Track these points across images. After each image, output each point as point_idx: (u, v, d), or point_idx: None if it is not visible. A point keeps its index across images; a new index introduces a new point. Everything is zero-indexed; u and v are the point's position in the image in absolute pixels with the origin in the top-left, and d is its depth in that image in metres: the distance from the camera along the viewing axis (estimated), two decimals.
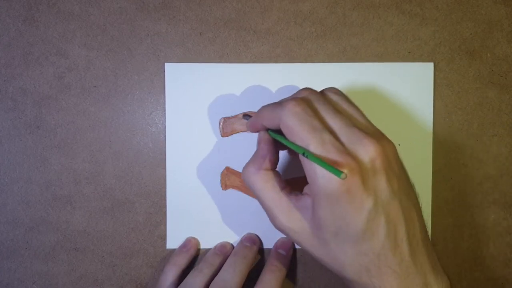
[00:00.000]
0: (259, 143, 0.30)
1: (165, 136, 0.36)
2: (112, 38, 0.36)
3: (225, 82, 0.36)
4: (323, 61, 0.36)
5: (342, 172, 0.23)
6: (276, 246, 0.36)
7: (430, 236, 0.36)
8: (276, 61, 0.36)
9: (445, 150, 0.36)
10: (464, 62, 0.36)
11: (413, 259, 0.25)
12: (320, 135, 0.25)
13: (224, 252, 0.35)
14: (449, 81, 0.36)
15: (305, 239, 0.27)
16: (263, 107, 0.29)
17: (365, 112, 0.36)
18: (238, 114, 0.36)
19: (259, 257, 0.37)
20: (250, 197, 0.36)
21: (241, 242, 0.36)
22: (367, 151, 0.25)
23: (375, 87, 0.36)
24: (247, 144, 0.36)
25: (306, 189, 0.28)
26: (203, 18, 0.36)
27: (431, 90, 0.36)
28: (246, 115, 0.35)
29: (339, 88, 0.36)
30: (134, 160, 0.36)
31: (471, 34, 0.36)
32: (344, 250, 0.26)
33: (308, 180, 0.26)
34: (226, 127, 0.36)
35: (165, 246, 0.36)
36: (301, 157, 0.26)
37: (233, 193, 0.36)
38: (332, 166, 0.23)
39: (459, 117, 0.36)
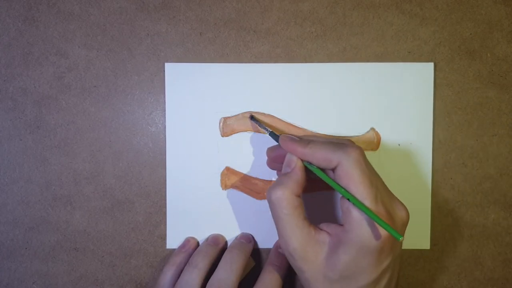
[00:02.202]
0: (292, 167, 0.30)
1: (165, 136, 0.36)
2: (112, 38, 0.36)
3: (225, 82, 0.36)
4: (323, 61, 0.36)
5: (401, 236, 0.25)
6: (277, 245, 0.36)
7: (430, 236, 0.36)
8: (276, 61, 0.36)
9: (445, 150, 0.36)
10: (464, 62, 0.36)
11: None
12: (375, 191, 0.27)
13: (217, 243, 0.35)
14: (449, 81, 0.36)
15: (312, 272, 0.28)
16: (316, 143, 0.30)
17: (365, 112, 0.36)
18: (238, 114, 0.36)
19: (253, 263, 0.37)
20: (250, 197, 0.36)
21: (237, 239, 0.36)
22: (401, 216, 0.28)
23: (375, 87, 0.36)
24: (247, 144, 0.36)
25: (325, 226, 0.29)
26: (203, 18, 0.36)
27: (431, 90, 0.36)
28: (252, 116, 0.35)
29: (339, 88, 0.36)
30: (134, 160, 0.36)
31: (471, 34, 0.36)
32: None
33: (346, 225, 0.27)
34: (226, 127, 0.36)
35: (165, 246, 0.36)
36: (345, 201, 0.27)
37: (233, 193, 0.36)
38: (392, 228, 0.26)
39: (459, 117, 0.36)
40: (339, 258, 0.27)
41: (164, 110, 0.36)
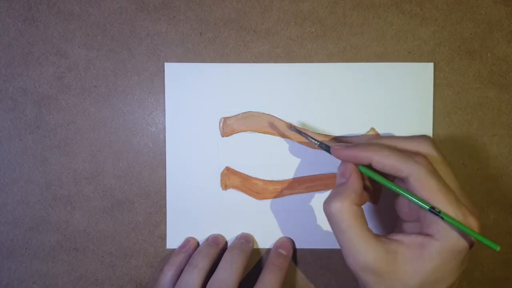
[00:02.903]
0: (347, 176, 0.29)
1: (165, 136, 0.36)
2: (112, 38, 0.36)
3: (225, 82, 0.36)
4: (323, 61, 0.36)
5: (498, 245, 0.26)
6: (277, 245, 0.36)
7: None
8: (276, 61, 0.36)
9: (445, 150, 0.36)
10: (464, 62, 0.36)
11: None
12: (455, 197, 0.27)
13: (217, 243, 0.35)
14: (449, 81, 0.36)
15: (388, 282, 0.27)
16: (379, 148, 0.29)
17: (365, 112, 0.36)
18: (238, 114, 0.36)
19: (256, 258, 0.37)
20: (250, 197, 0.36)
21: (237, 239, 0.36)
22: (476, 222, 0.27)
23: (375, 87, 0.36)
24: (247, 144, 0.36)
25: (396, 236, 0.29)
26: (203, 18, 0.36)
27: (431, 90, 0.36)
28: (293, 127, 0.34)
29: (339, 88, 0.36)
30: (134, 160, 0.36)
31: (471, 34, 0.36)
32: None
33: (433, 233, 0.27)
34: (226, 127, 0.36)
35: (165, 246, 0.36)
36: (424, 211, 0.27)
37: (233, 193, 0.36)
38: (487, 239, 0.26)
39: (459, 117, 0.36)
40: (425, 265, 0.27)
41: (164, 110, 0.36)
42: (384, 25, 0.36)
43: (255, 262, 0.37)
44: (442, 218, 0.26)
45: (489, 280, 0.37)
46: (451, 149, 0.36)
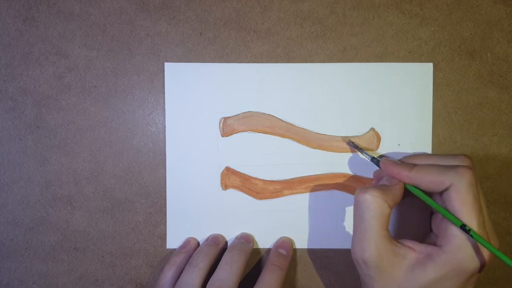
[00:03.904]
0: (393, 183, 0.30)
1: (165, 136, 0.36)
2: (112, 38, 0.36)
3: (225, 82, 0.36)
4: (323, 61, 0.36)
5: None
6: (277, 245, 0.36)
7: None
8: (276, 61, 0.36)
9: (445, 150, 0.36)
10: (464, 62, 0.36)
11: None
12: (483, 219, 0.27)
13: (217, 243, 0.35)
14: (449, 81, 0.36)
15: (385, 282, 0.28)
16: (423, 167, 0.29)
17: (365, 112, 0.36)
18: (238, 114, 0.36)
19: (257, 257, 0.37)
20: (250, 197, 0.36)
21: (237, 238, 0.36)
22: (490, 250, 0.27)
23: (375, 87, 0.36)
24: (247, 144, 0.36)
25: (410, 243, 0.29)
26: (203, 18, 0.36)
27: (431, 90, 0.36)
28: (352, 142, 0.35)
29: (339, 88, 0.36)
30: (134, 160, 0.36)
31: (471, 34, 0.36)
32: None
33: (445, 245, 0.27)
34: (226, 127, 0.36)
35: (165, 246, 0.36)
36: (444, 222, 0.28)
37: (233, 193, 0.36)
38: (508, 258, 0.26)
39: (459, 117, 0.36)
40: (426, 275, 0.27)
41: (164, 110, 0.36)
42: (384, 25, 0.36)
43: (255, 262, 0.37)
44: (471, 236, 0.27)
45: (489, 280, 0.37)
46: (451, 149, 0.36)
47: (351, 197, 0.36)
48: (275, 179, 0.36)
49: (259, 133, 0.36)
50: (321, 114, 0.36)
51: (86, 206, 0.36)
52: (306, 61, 0.36)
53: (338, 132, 0.36)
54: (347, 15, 0.36)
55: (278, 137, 0.36)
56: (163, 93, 0.36)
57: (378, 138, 0.36)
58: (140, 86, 0.36)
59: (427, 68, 0.36)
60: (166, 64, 0.36)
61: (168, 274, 0.34)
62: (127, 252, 0.37)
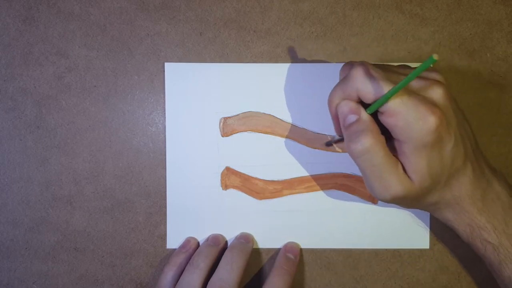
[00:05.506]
0: (357, 112, 0.28)
1: (165, 136, 0.36)
2: (112, 38, 0.36)
3: (225, 82, 0.36)
4: (323, 61, 0.36)
5: (433, 57, 0.23)
6: (285, 250, 0.36)
7: (429, 236, 0.36)
8: (276, 61, 0.36)
9: None
10: (464, 62, 0.36)
11: (478, 165, 0.30)
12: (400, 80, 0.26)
13: (218, 243, 0.35)
14: (449, 81, 0.36)
15: (414, 200, 0.29)
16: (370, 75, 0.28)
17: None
18: (238, 114, 0.36)
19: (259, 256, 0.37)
20: (250, 197, 0.36)
21: (236, 238, 0.36)
22: (439, 94, 0.27)
23: None
24: (247, 144, 0.36)
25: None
26: (203, 18, 0.36)
27: None
28: (330, 142, 0.36)
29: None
30: (134, 160, 0.36)
31: (471, 34, 0.36)
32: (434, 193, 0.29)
33: (401, 136, 0.27)
34: (226, 127, 0.36)
35: (165, 246, 0.36)
36: (390, 111, 0.26)
37: (233, 193, 0.36)
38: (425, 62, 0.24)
39: None
40: (419, 167, 0.27)
41: (164, 110, 0.36)
42: (384, 25, 0.36)
43: (255, 262, 0.37)
44: (386, 98, 0.26)
45: (489, 280, 0.37)
46: None
47: (351, 197, 0.36)
48: (275, 179, 0.36)
49: (259, 133, 0.36)
50: (321, 114, 0.36)
51: (86, 206, 0.36)
52: (306, 61, 0.36)
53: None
54: (347, 15, 0.36)
55: (278, 137, 0.36)
56: (163, 93, 0.36)
57: None
58: (140, 86, 0.36)
59: None
60: (166, 64, 0.36)
61: (169, 274, 0.34)
62: (127, 252, 0.37)
